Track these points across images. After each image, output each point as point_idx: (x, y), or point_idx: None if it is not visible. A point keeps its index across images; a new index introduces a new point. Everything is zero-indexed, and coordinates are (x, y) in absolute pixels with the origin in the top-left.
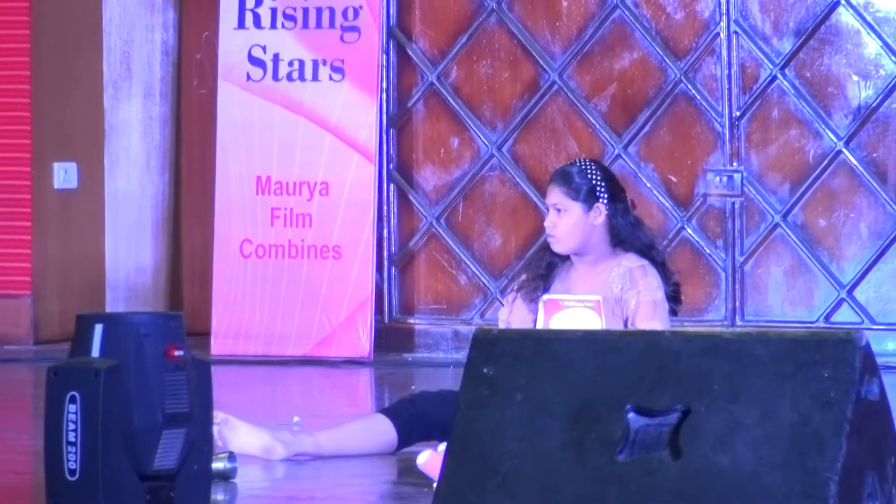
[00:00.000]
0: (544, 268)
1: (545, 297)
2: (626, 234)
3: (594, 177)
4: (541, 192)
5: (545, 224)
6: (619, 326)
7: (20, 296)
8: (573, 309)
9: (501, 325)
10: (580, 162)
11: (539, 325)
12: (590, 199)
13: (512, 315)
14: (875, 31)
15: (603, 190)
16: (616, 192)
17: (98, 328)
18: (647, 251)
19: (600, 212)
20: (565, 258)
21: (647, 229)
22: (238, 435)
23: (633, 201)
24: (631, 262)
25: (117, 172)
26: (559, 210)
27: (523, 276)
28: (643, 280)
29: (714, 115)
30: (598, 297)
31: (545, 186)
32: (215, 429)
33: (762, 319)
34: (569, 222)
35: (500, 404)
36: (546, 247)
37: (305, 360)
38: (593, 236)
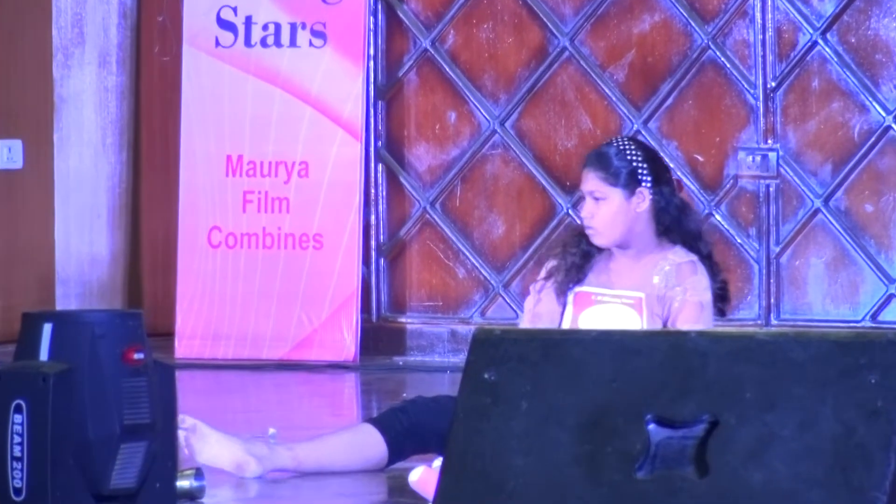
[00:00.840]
0: (580, 256)
1: (577, 288)
2: (673, 222)
3: (634, 158)
4: (549, 173)
5: (582, 214)
6: (658, 327)
7: None
8: (609, 305)
9: (527, 319)
10: (617, 141)
11: (566, 322)
12: (631, 183)
13: (540, 305)
14: None
15: (646, 172)
16: (661, 174)
17: (47, 328)
18: (695, 242)
19: (644, 197)
20: (604, 248)
21: (696, 215)
22: (207, 445)
23: (679, 182)
24: (679, 256)
25: (68, 151)
26: (597, 198)
27: (553, 263)
28: (692, 278)
29: (746, 85)
30: (640, 294)
31: (554, 166)
32: (181, 436)
33: (800, 318)
34: (609, 211)
35: (503, 414)
36: (582, 232)
37: (283, 364)
38: (637, 225)
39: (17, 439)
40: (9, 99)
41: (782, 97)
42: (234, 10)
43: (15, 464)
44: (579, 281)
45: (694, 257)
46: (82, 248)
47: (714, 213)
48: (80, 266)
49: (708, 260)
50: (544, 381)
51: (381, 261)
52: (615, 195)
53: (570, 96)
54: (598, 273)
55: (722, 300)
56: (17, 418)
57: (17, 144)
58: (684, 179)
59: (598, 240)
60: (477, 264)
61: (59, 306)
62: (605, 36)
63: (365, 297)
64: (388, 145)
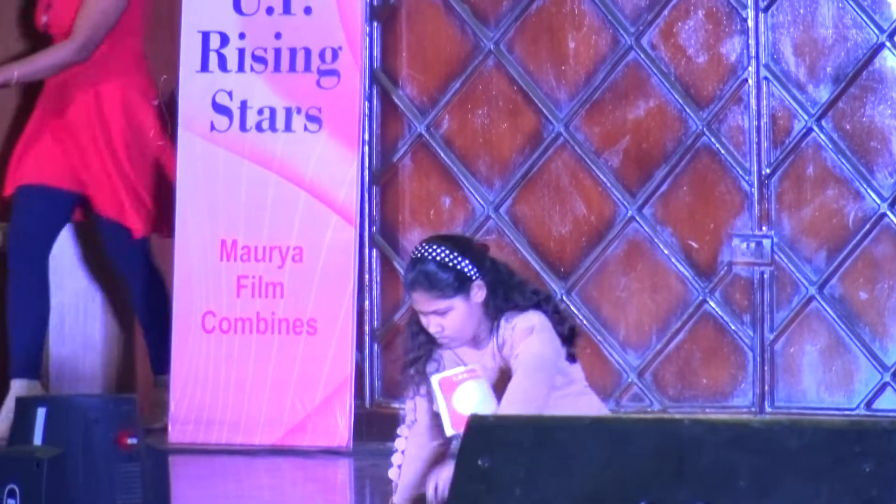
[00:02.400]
0: (424, 349)
1: (436, 377)
2: (506, 288)
3: (453, 260)
4: (543, 258)
5: (431, 330)
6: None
7: None
8: (466, 382)
9: (401, 445)
10: (429, 253)
11: (443, 409)
12: (464, 285)
13: (418, 414)
14: None
15: (469, 266)
16: (480, 260)
17: (41, 412)
18: (526, 295)
19: (480, 288)
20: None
21: (516, 277)
22: None
23: (485, 245)
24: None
25: (63, 234)
26: (442, 314)
27: (411, 372)
28: (519, 327)
29: (741, 172)
30: (473, 365)
31: (548, 251)
32: None
33: (795, 406)
34: (457, 318)
35: (497, 500)
36: (414, 332)
37: (276, 450)
38: (479, 314)
39: None
40: (2, 179)
41: (777, 184)
42: (230, 94)
43: None
44: (436, 370)
45: (513, 325)
46: (76, 331)
47: (708, 299)
48: (73, 350)
49: (547, 306)
50: (538, 467)
51: (375, 346)
52: (457, 303)
53: (564, 182)
54: (448, 359)
55: (570, 343)
56: (11, 503)
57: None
58: (678, 266)
59: (453, 345)
60: None
61: (52, 390)
62: (599, 122)
63: (358, 383)
64: (382, 230)
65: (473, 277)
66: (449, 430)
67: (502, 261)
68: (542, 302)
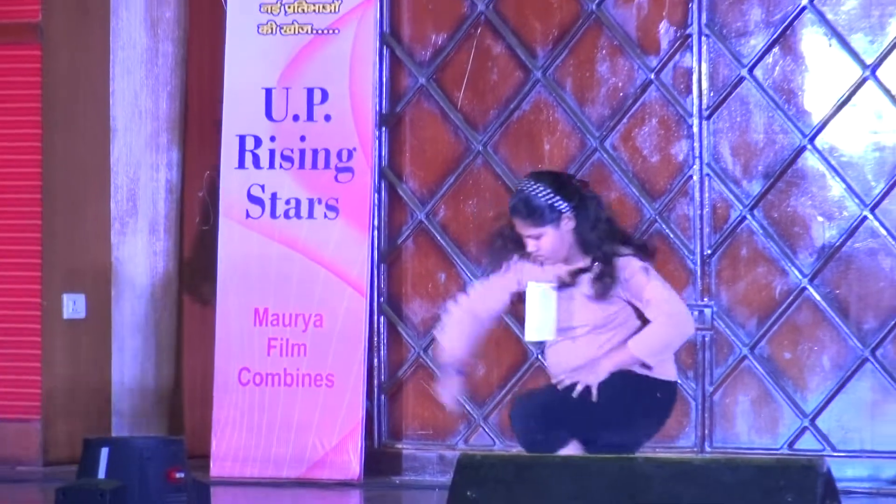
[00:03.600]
0: (506, 244)
1: (531, 283)
2: (592, 228)
3: (546, 195)
4: (524, 328)
5: (528, 249)
6: (600, 309)
7: (30, 420)
8: (546, 289)
9: (471, 296)
10: (527, 187)
11: (529, 304)
12: (553, 216)
13: (487, 287)
14: (839, 175)
15: (559, 201)
16: (571, 195)
17: (104, 451)
18: (614, 236)
19: (569, 219)
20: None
21: (610, 214)
22: None
23: (584, 182)
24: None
25: (123, 303)
26: (535, 238)
27: (496, 254)
28: (627, 269)
29: (687, 252)
30: (551, 283)
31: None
32: None
33: (730, 446)
34: (548, 242)
35: None
36: (499, 233)
37: (300, 482)
38: (569, 240)
39: None
40: (74, 260)
41: (716, 262)
42: (262, 187)
43: None
44: (521, 257)
45: (622, 259)
46: (134, 383)
47: None
48: (132, 398)
49: (638, 247)
50: (517, 497)
51: (382, 397)
52: (548, 230)
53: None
54: (529, 271)
55: (652, 257)
56: None
57: (80, 298)
58: None
59: (548, 262)
60: (461, 401)
61: (114, 433)
62: None
63: (368, 427)
64: (388, 301)
65: (563, 211)
66: (528, 336)
67: (596, 197)
68: (640, 248)
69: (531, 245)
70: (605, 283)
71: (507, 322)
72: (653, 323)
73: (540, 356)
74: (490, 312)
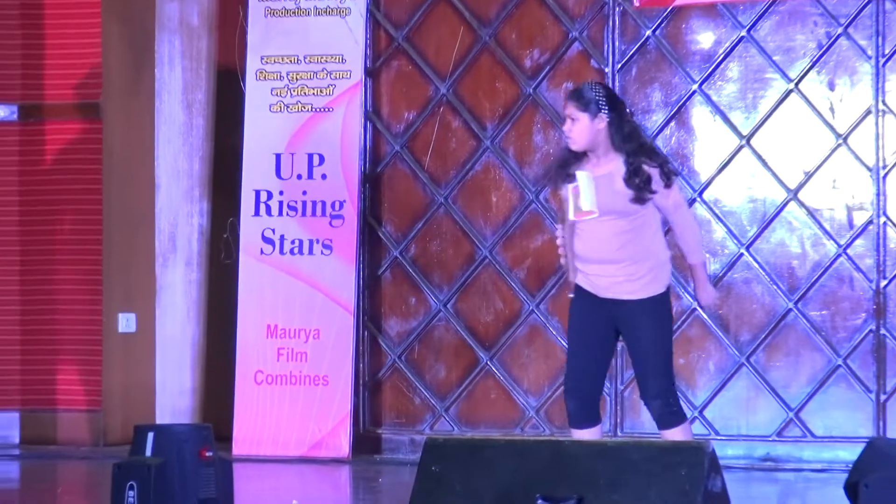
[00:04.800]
0: (565, 159)
1: (571, 185)
2: (626, 137)
3: (598, 94)
4: (475, 337)
5: (563, 129)
6: (616, 198)
7: (94, 411)
8: (590, 175)
9: (560, 240)
10: (590, 83)
11: (570, 205)
12: (593, 109)
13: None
14: (721, 221)
15: (604, 104)
16: (615, 106)
17: (150, 435)
18: (640, 150)
19: (602, 119)
20: (581, 154)
21: (641, 133)
22: None
23: (631, 112)
24: (649, 166)
25: (165, 322)
26: (573, 119)
27: (553, 169)
28: (657, 178)
29: None
30: (586, 173)
31: (478, 332)
32: None
33: (637, 432)
34: (579, 127)
35: (444, 493)
36: (565, 148)
37: (302, 459)
38: (599, 137)
39: None
40: (127, 286)
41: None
42: (273, 230)
43: None
44: (571, 172)
45: (654, 166)
46: (173, 385)
47: None
48: (172, 397)
49: (653, 153)
50: (471, 471)
51: (366, 393)
52: (583, 117)
53: (489, 288)
54: (582, 166)
55: (674, 172)
56: (130, 494)
57: (132, 317)
58: (562, 342)
59: (573, 145)
60: (427, 396)
61: (157, 421)
62: (512, 249)
63: (355, 417)
64: (370, 318)
65: (602, 109)
66: (571, 216)
67: (634, 122)
68: (668, 166)
69: (567, 125)
70: (636, 183)
71: (462, 336)
72: (685, 227)
73: (489, 362)
74: None
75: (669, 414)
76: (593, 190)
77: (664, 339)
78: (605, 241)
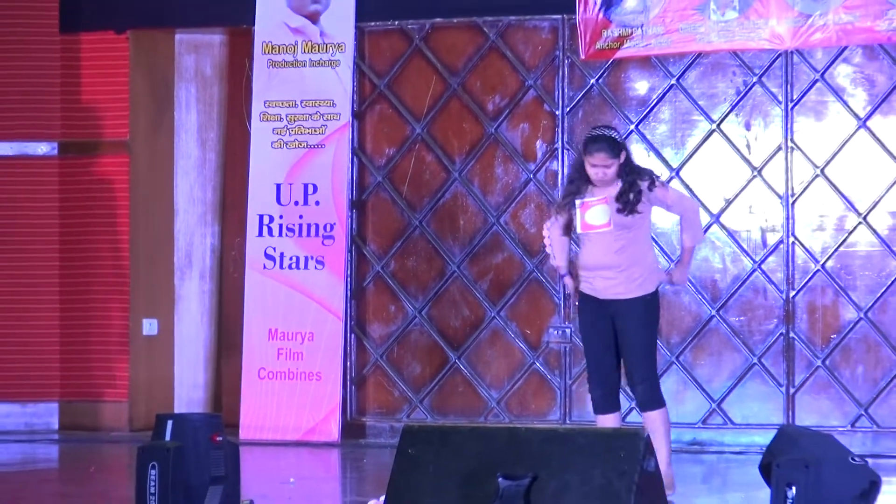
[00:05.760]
0: (575, 188)
1: (578, 200)
2: (630, 169)
3: (617, 136)
4: (445, 340)
5: (597, 176)
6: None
7: (121, 402)
8: (595, 206)
9: (546, 234)
10: (606, 129)
11: (578, 218)
12: (618, 152)
13: (555, 226)
14: (655, 241)
15: (622, 144)
16: (623, 142)
17: (169, 423)
18: (633, 171)
19: (623, 156)
20: (586, 182)
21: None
22: None
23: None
24: (641, 180)
25: (182, 326)
26: (606, 167)
27: (566, 196)
28: (660, 190)
29: (554, 292)
30: (604, 195)
31: (448, 333)
32: None
33: (583, 420)
34: (611, 171)
35: (419, 473)
36: (573, 179)
37: (298, 443)
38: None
39: (151, 486)
40: (150, 296)
41: (573, 298)
42: (274, 248)
43: (151, 498)
44: (581, 196)
45: (646, 180)
46: (189, 380)
47: (536, 363)
48: (188, 390)
49: (650, 176)
50: (442, 454)
51: (353, 387)
52: (614, 163)
53: (457, 297)
54: (590, 191)
55: (657, 177)
56: (153, 473)
57: (154, 322)
58: (520, 343)
59: (601, 185)
60: (405, 389)
61: (176, 411)
62: (477, 264)
63: (343, 407)
64: (357, 324)
65: (622, 149)
66: (578, 230)
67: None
68: (652, 176)
69: (600, 173)
70: (628, 199)
71: (435, 338)
72: (684, 216)
73: (458, 361)
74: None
75: (651, 399)
76: (607, 208)
77: (650, 333)
78: (606, 250)
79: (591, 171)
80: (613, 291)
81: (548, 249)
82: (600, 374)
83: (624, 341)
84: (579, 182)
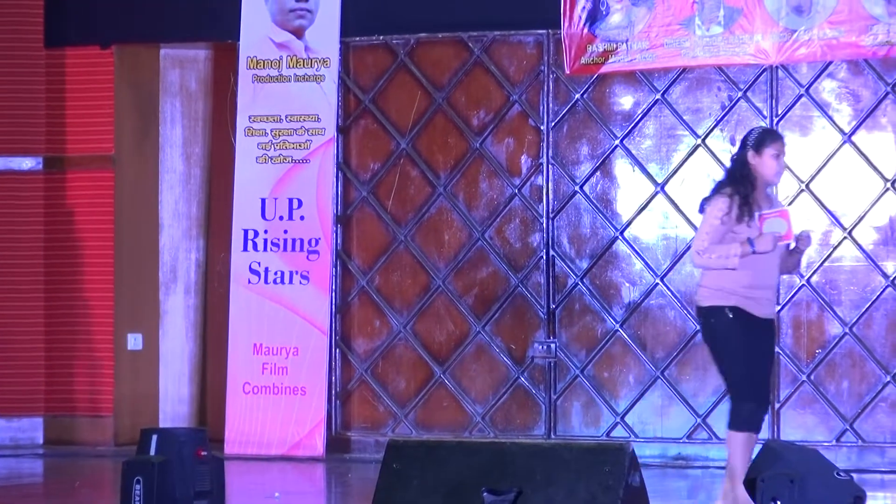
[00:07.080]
0: (746, 196)
1: (758, 213)
2: None
3: None
4: (430, 354)
5: (781, 168)
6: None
7: (106, 416)
8: (773, 219)
9: (715, 225)
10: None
11: (765, 229)
12: None
13: (727, 222)
14: (640, 256)
15: None
16: None
17: (154, 437)
18: None
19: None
20: (753, 190)
21: None
22: None
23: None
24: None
25: (167, 340)
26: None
27: (737, 203)
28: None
29: (539, 307)
30: (785, 207)
31: (433, 347)
32: None
33: (568, 435)
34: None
35: (403, 487)
36: (738, 188)
37: (283, 458)
38: None
39: (136, 500)
40: (136, 311)
41: (559, 313)
42: (259, 263)
43: None
44: (759, 207)
45: None
46: (174, 394)
47: (521, 377)
48: (173, 404)
49: None
50: (426, 468)
51: (338, 402)
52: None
53: (442, 312)
54: (765, 203)
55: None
56: (137, 487)
57: (139, 336)
58: (504, 358)
59: (779, 179)
60: (389, 405)
61: (161, 425)
62: (462, 279)
63: (328, 421)
64: (342, 338)
65: None
66: (768, 247)
67: None
68: None
69: (779, 165)
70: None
71: (420, 353)
72: None
73: (443, 376)
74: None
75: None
76: (785, 222)
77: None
78: (774, 268)
79: (773, 166)
80: (771, 310)
81: (720, 261)
82: (767, 392)
83: (771, 359)
84: (745, 190)
